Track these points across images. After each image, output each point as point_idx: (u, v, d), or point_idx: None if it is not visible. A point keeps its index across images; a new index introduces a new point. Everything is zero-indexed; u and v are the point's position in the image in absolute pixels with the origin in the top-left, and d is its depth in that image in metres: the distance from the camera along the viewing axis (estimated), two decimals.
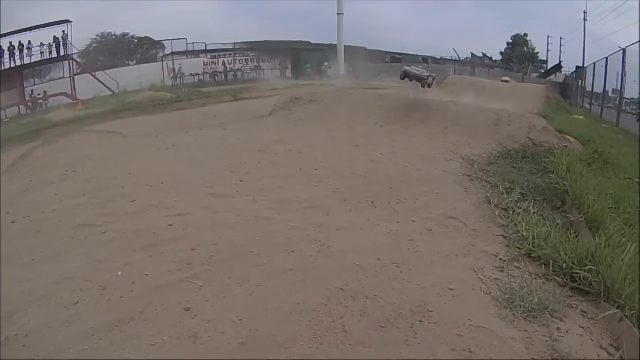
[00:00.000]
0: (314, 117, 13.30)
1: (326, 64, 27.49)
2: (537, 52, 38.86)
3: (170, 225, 5.96)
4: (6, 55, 24.95)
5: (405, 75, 17.93)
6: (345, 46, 27.42)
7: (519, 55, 38.50)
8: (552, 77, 32.90)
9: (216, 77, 25.69)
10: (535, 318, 4.25)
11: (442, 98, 14.76)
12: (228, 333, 3.90)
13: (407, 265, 5.07)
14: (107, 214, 6.65)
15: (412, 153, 10.06)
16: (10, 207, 8.19)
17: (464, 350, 3.77)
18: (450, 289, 4.62)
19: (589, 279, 4.71)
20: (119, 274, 4.85)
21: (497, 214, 6.80)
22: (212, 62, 26.49)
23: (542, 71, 36.40)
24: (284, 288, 4.55)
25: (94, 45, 29.02)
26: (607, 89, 20.68)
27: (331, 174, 8.46)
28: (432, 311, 4.21)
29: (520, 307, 4.38)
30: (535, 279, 4.96)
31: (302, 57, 27.60)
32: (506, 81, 19.55)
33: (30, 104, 25.23)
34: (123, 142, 12.14)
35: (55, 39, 25.32)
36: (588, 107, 23.45)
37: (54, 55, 25.62)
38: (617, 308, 4.30)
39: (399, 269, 4.97)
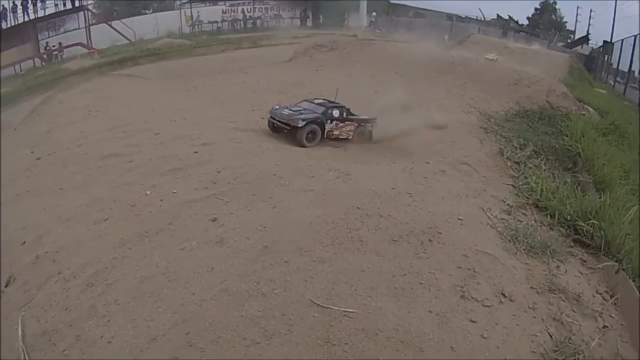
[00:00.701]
0: (334, 64, 13.41)
1: (374, 13, 26.99)
2: (565, 21, 37.45)
3: (196, 152, 6.32)
4: (19, 10, 25.08)
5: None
6: None
7: (546, 22, 37.02)
8: (578, 48, 31.88)
9: (235, 25, 25.29)
10: (536, 254, 4.64)
11: (470, 54, 14.68)
12: (252, 238, 4.31)
13: (420, 196, 5.43)
14: (132, 144, 6.97)
15: (430, 103, 10.18)
16: (34, 147, 8.48)
17: (469, 269, 4.16)
18: (459, 219, 4.98)
19: (591, 233, 5.05)
20: (148, 192, 5.24)
21: (508, 165, 7.16)
22: (231, 9, 25.87)
23: (569, 41, 35.20)
24: (304, 204, 4.96)
25: None
26: (632, 68, 20.15)
27: None
28: (441, 233, 4.58)
29: (523, 242, 4.77)
30: (540, 226, 5.30)
31: (323, 7, 26.94)
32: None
33: (44, 56, 25.07)
34: (143, 84, 12.37)
35: None
36: (612, 84, 22.84)
37: (69, 6, 25.07)
38: (615, 262, 4.65)
39: (412, 198, 5.34)
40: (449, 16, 30.09)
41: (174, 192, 5.17)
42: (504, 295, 3.99)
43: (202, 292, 3.71)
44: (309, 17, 26.80)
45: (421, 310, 3.64)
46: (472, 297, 3.86)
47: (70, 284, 4.05)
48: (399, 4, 29.86)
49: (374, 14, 27.36)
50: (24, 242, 4.87)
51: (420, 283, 3.91)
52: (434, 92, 11.11)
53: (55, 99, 11.77)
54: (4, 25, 24.78)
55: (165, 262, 4.05)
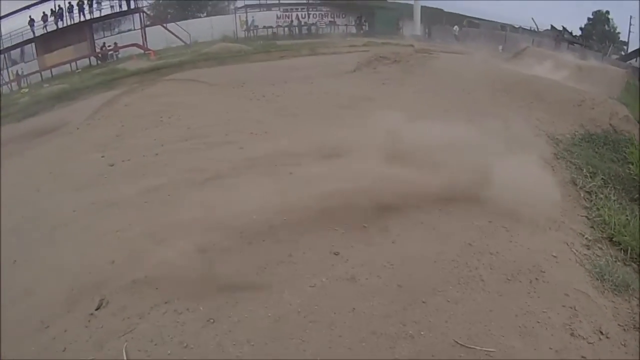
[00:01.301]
0: (399, 78, 13.31)
1: (456, 27, 26.62)
2: (618, 32, 36.02)
3: (291, 173, 5.98)
4: (75, 10, 25.83)
5: None
6: (421, 7, 26.44)
7: (599, 33, 35.62)
8: (632, 61, 30.53)
9: (292, 30, 25.34)
10: (620, 292, 4.99)
11: (524, 71, 14.50)
12: (383, 276, 4.49)
13: (515, 230, 5.67)
14: (218, 159, 6.84)
15: (499, 124, 9.84)
16: (104, 151, 8.59)
17: (571, 308, 4.48)
18: (554, 256, 5.27)
19: None
20: (254, 217, 4.91)
21: (581, 195, 7.30)
22: (285, 15, 26.03)
23: (622, 53, 33.73)
24: (420, 239, 5.20)
25: None
26: None
27: None
28: (544, 272, 4.91)
29: (609, 281, 5.13)
30: (616, 261, 5.60)
31: (378, 14, 26.61)
32: None
33: (100, 55, 25.96)
34: (209, 90, 12.41)
35: None
36: None
37: (124, 8, 25.76)
38: None
39: (509, 233, 5.62)
40: (503, 26, 29.45)
41: (284, 219, 4.84)
42: (601, 332, 4.32)
43: (349, 334, 3.77)
44: (364, 25, 26.59)
45: (544, 347, 3.95)
46: (579, 335, 4.18)
47: (184, 317, 3.96)
48: (453, 13, 29.40)
49: (456, 27, 26.86)
50: (113, 261, 4.69)
51: (538, 322, 4.20)
52: (501, 113, 10.67)
53: (120, 101, 11.82)
54: (60, 25, 25.70)
55: (299, 299, 4.07)
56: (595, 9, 34.37)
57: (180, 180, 6.30)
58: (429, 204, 5.86)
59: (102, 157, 8.08)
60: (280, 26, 25.48)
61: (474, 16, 30.44)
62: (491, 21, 30.03)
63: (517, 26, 30.54)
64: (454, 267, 4.71)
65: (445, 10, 28.59)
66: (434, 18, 27.79)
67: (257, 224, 4.89)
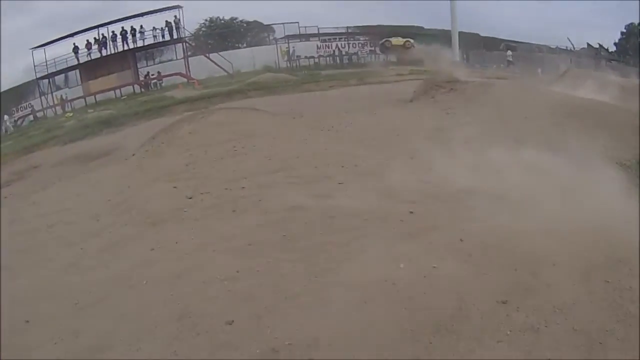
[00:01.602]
0: (461, 107, 12.84)
1: (509, 52, 26.43)
2: None
3: (412, 212, 5.52)
4: (119, 39, 26.57)
5: None
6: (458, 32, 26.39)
7: (634, 47, 34.78)
8: None
9: (335, 60, 25.80)
10: None
11: (573, 93, 14.23)
12: None
13: None
14: (320, 195, 6.31)
15: (571, 153, 9.37)
16: (175, 181, 8.20)
17: None
18: None
19: None
20: (401, 266, 4.39)
21: None
22: (325, 45, 26.52)
23: None
24: None
25: (203, 29, 29.87)
26: None
27: None
28: None
29: None
30: None
31: (417, 41, 26.78)
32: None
33: (143, 83, 26.74)
34: (274, 120, 12.04)
35: (167, 23, 26.40)
36: None
37: (167, 38, 26.69)
38: None
39: None
40: (540, 48, 29.11)
41: (434, 267, 4.29)
42: None
43: None
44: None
45: None
46: None
47: None
48: (489, 37, 29.18)
49: (509, 52, 26.54)
50: (232, 321, 4.03)
51: None
52: (570, 141, 10.12)
53: (180, 128, 11.50)
54: (104, 53, 26.40)
55: None
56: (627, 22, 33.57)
57: (283, 219, 5.70)
58: None
59: (175, 187, 7.68)
60: (322, 56, 25.87)
61: (510, 39, 30.15)
62: (528, 43, 29.71)
63: (553, 47, 30.13)
64: None
65: (482, 34, 28.72)
66: (471, 43, 27.81)
67: (407, 274, 4.15)
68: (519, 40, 30.21)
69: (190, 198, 7.22)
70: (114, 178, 10.87)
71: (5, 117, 26.39)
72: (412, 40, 21.76)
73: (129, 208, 7.85)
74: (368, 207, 5.86)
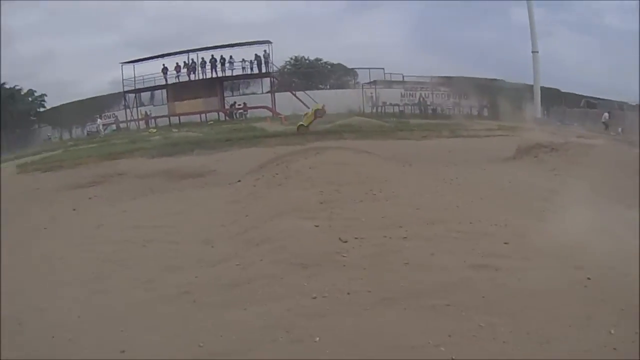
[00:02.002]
0: (566, 168, 12.59)
1: (606, 114, 25.86)
2: None
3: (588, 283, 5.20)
4: (208, 67, 27.90)
5: None
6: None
7: None
8: None
9: (422, 109, 26.00)
10: None
11: None
12: None
13: None
14: (494, 254, 5.90)
15: None
16: (312, 219, 7.83)
17: None
18: None
19: None
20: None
21: None
22: (409, 94, 26.62)
23: None
24: None
25: (288, 67, 30.66)
26: None
27: None
28: None
29: None
30: None
31: (501, 96, 26.59)
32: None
33: (228, 112, 27.89)
34: (390, 166, 11.94)
35: (257, 56, 27.46)
36: None
37: (255, 71, 27.71)
38: None
39: None
40: (620, 105, 28.00)
41: None
42: None
43: None
44: (486, 107, 26.56)
45: None
46: None
47: None
48: (568, 93, 28.41)
49: (606, 114, 25.86)
50: None
51: None
52: None
53: (297, 162, 11.50)
54: (192, 77, 27.60)
55: None
56: None
57: (467, 278, 5.33)
58: None
59: (316, 226, 7.24)
60: (407, 104, 25.96)
61: (592, 95, 29.08)
62: (609, 100, 28.63)
63: (633, 104, 28.88)
64: None
65: (562, 90, 27.91)
66: (552, 99, 27.23)
67: None
68: (601, 97, 29.21)
69: (346, 242, 6.76)
70: (221, 202, 10.94)
71: (99, 121, 27.79)
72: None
73: (257, 241, 7.63)
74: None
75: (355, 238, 6.71)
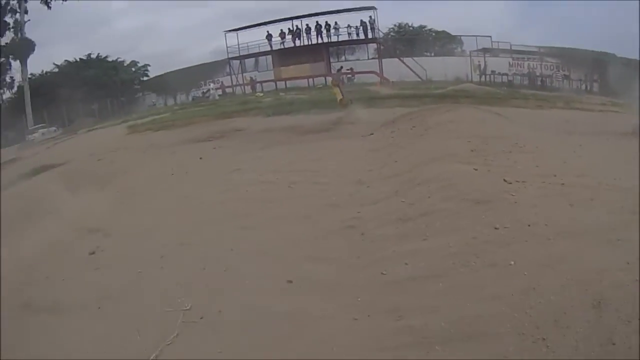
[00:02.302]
0: None
1: None
2: None
3: None
4: (313, 32, 29.21)
5: None
6: None
7: None
8: None
9: (531, 80, 25.57)
10: None
11: None
12: None
13: None
14: None
15: None
16: (469, 164, 8.12)
17: None
18: None
19: None
20: None
21: None
22: (517, 64, 26.40)
23: None
24: None
25: (392, 33, 31.23)
26: None
27: None
28: None
29: None
30: None
31: (611, 72, 24.84)
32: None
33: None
34: (520, 127, 12.21)
35: (362, 22, 28.29)
36: None
37: (361, 37, 28.59)
38: None
39: None
40: None
41: None
42: None
43: None
44: (596, 82, 25.69)
45: None
46: None
47: None
48: None
49: None
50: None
51: None
52: None
53: (430, 117, 11.95)
54: (297, 43, 29.18)
55: None
56: None
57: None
58: None
59: (475, 169, 7.79)
60: (516, 74, 25.83)
61: None
62: None
63: None
64: None
65: None
66: None
67: None
68: None
69: (510, 184, 7.06)
70: (361, 151, 11.57)
71: (211, 85, 30.23)
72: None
73: (418, 181, 8.10)
74: None
75: (517, 181, 7.13)
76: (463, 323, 4.31)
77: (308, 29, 29.31)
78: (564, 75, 25.54)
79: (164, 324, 5.00)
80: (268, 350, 4.44)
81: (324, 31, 28.98)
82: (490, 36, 26.55)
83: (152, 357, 4.46)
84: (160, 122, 21.80)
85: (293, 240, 6.66)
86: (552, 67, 25.79)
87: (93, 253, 7.02)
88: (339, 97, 17.74)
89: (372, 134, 13.07)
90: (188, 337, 4.81)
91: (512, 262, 5.00)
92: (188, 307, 5.25)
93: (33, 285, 6.24)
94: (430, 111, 12.88)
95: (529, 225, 5.71)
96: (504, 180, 7.27)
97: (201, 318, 5.12)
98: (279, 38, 29.84)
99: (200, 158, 12.87)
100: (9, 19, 29.96)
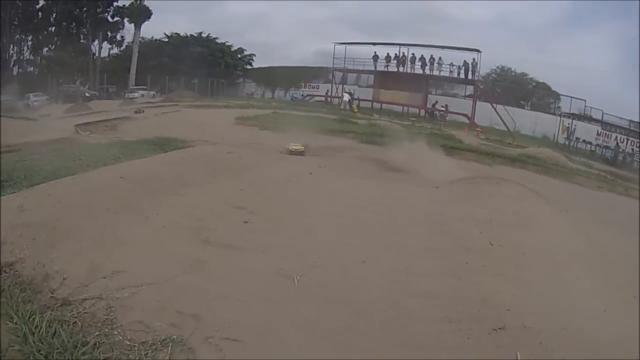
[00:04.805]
0: None
1: None
2: None
3: None
4: (418, 62, 34.54)
5: None
6: None
7: None
8: None
9: (615, 155, 27.46)
10: None
11: None
12: None
13: None
14: None
15: None
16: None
17: None
18: None
19: None
20: None
21: None
22: (605, 134, 29.23)
23: None
24: None
25: (493, 75, 36.40)
26: None
27: None
28: None
29: None
30: None
31: None
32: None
33: (430, 111, 34.07)
34: (546, 206, 16.98)
35: (465, 63, 32.93)
36: None
37: (461, 76, 33.39)
38: None
39: None
40: None
41: None
42: None
43: None
44: None
45: None
46: None
47: None
48: None
49: None
50: None
51: None
52: None
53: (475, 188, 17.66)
54: (400, 69, 35.07)
55: None
56: None
57: None
58: None
59: (480, 232, 13.16)
60: (599, 145, 29.07)
61: None
62: None
63: None
64: None
65: None
66: None
67: None
68: None
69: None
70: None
71: (346, 95, 35.05)
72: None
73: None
74: None
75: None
76: None
77: (413, 58, 35.02)
78: None
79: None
80: None
81: (428, 64, 34.43)
82: (585, 100, 30.24)
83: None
84: (264, 120, 25.97)
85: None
86: (638, 145, 28.49)
87: (246, 222, 9.93)
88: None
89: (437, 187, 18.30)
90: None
91: None
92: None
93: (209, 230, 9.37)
94: (484, 181, 18.10)
95: None
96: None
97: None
98: (384, 61, 35.83)
99: (310, 173, 15.56)
100: None
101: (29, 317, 6.32)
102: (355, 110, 33.28)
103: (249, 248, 9.74)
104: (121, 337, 6.34)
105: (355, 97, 36.06)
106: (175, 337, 6.39)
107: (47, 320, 6.22)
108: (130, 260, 8.16)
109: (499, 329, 7.51)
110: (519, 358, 6.59)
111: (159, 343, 6.24)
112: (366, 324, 7.71)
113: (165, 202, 11.21)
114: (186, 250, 9.34)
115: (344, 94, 35.41)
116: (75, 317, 6.52)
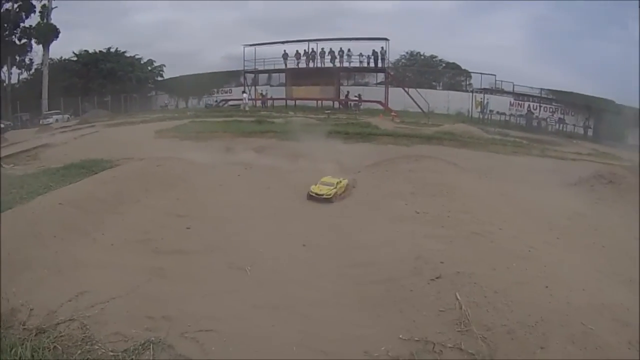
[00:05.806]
0: (610, 199, 17.23)
1: None
2: None
3: None
4: (327, 56, 36.03)
5: None
6: None
7: None
8: None
9: (528, 121, 30.59)
10: None
11: None
12: None
13: None
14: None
15: None
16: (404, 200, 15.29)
17: None
18: None
19: None
20: None
21: None
22: (518, 103, 31.94)
23: None
24: None
25: (403, 61, 38.21)
26: None
27: None
28: None
29: None
30: None
31: (605, 119, 29.71)
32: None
33: (343, 102, 35.74)
34: (466, 175, 18.68)
35: (374, 52, 34.77)
36: None
37: (371, 65, 35.17)
38: None
39: None
40: None
41: None
42: None
43: None
44: (590, 128, 31.19)
45: None
46: None
47: None
48: None
49: None
50: None
51: None
52: None
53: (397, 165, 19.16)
54: (311, 64, 36.34)
55: None
56: None
57: None
58: None
59: (406, 204, 13.71)
60: (513, 115, 31.88)
61: None
62: None
63: None
64: None
65: None
66: None
67: None
68: None
69: (418, 213, 13.52)
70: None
71: (244, 95, 37.16)
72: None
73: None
74: None
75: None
76: None
77: (323, 53, 36.36)
78: (559, 119, 31.03)
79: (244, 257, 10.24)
80: None
81: (337, 57, 35.88)
82: (495, 75, 32.46)
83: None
84: (184, 130, 27.36)
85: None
86: (550, 110, 31.51)
87: (189, 228, 12.01)
88: None
89: (359, 172, 19.47)
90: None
91: None
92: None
93: (156, 240, 11.31)
94: (403, 159, 19.48)
95: None
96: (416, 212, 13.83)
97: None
98: (295, 58, 36.94)
99: (239, 175, 18.77)
100: (35, 1, 36.31)
101: (11, 350, 6.78)
102: (247, 109, 35.49)
103: (197, 250, 11.12)
104: (104, 350, 7.15)
105: (269, 97, 37.77)
106: (153, 338, 7.37)
107: (30, 349, 6.74)
108: (90, 280, 9.20)
109: (437, 278, 9.50)
110: (458, 297, 7.95)
111: (140, 347, 7.34)
112: (320, 295, 9.08)
113: (108, 221, 12.50)
114: (140, 261, 10.45)
115: (243, 94, 37.29)
116: (54, 342, 7.25)
